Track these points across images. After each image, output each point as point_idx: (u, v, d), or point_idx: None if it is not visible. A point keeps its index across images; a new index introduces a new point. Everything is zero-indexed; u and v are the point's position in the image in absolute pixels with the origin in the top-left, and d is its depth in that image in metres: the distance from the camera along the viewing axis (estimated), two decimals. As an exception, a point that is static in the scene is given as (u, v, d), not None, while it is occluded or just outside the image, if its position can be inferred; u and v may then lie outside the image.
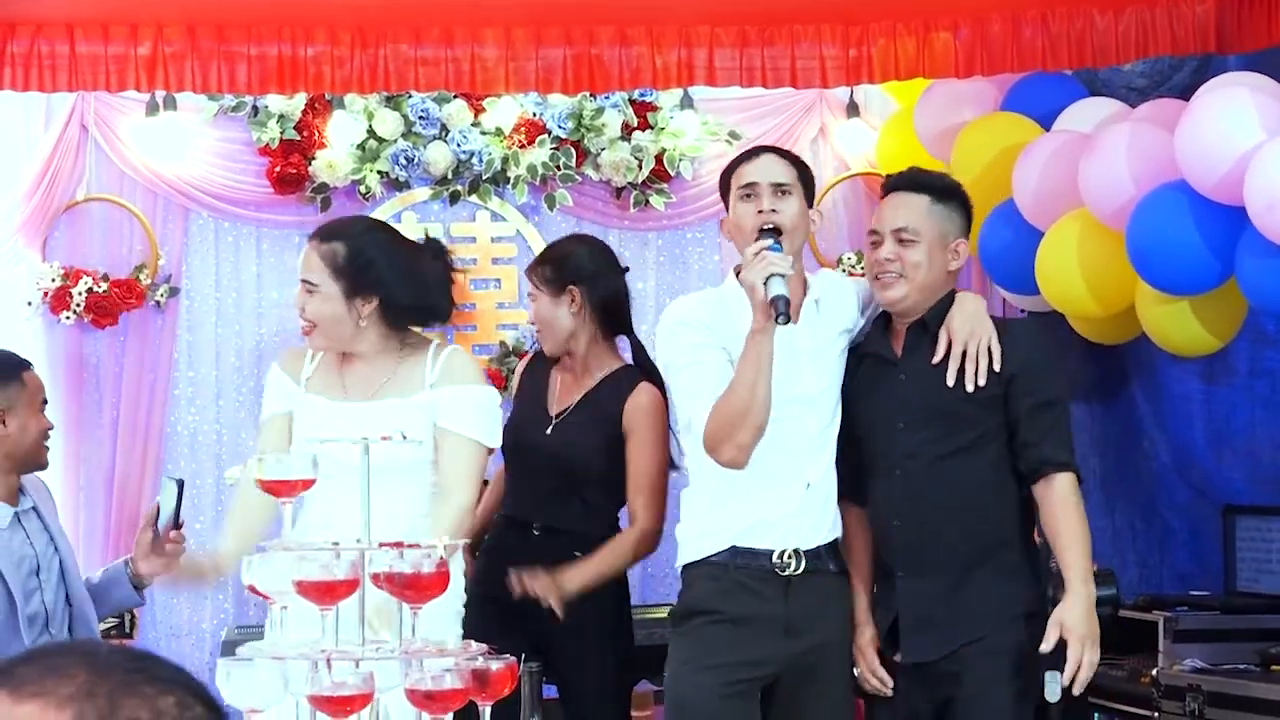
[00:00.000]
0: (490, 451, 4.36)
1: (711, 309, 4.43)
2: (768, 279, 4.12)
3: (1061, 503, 4.25)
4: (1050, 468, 4.26)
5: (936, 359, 4.34)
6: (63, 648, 1.53)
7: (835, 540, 4.48)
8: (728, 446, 4.25)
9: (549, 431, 4.89)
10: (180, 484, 4.63)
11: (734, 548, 4.39)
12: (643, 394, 4.87)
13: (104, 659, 1.51)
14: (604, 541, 4.82)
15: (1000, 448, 4.33)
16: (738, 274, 4.36)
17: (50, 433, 4.67)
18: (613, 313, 4.99)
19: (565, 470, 4.87)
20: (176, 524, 4.60)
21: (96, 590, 4.64)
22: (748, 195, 4.41)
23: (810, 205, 4.49)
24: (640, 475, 4.86)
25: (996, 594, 4.33)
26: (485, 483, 4.69)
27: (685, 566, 4.49)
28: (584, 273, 4.94)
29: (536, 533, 4.89)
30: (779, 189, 4.40)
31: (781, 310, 4.10)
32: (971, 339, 4.34)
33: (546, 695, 4.85)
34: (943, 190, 4.50)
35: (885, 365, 4.44)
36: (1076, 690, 4.17)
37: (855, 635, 4.51)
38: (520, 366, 5.20)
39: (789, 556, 4.37)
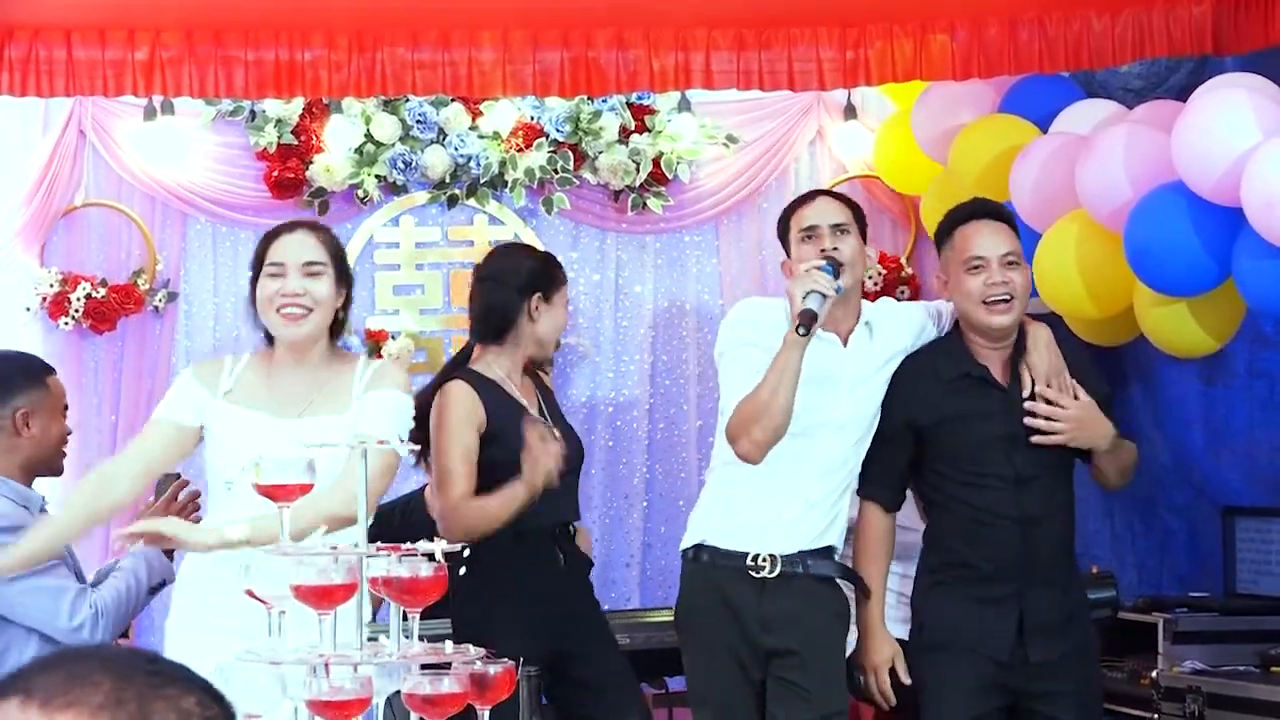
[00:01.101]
0: (395, 461, 4.10)
1: (771, 313, 4.64)
2: (808, 294, 4.39)
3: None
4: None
5: (1026, 391, 4.63)
6: (76, 654, 1.53)
7: (825, 548, 4.68)
8: (744, 440, 4.51)
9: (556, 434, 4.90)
10: (176, 478, 4.69)
11: (715, 547, 4.65)
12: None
13: (122, 663, 1.51)
14: None
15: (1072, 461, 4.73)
16: None
17: (68, 438, 4.70)
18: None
19: (578, 464, 5.06)
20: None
21: None
22: (809, 237, 4.68)
23: (864, 242, 4.77)
24: None
25: (1080, 596, 4.78)
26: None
27: (682, 551, 4.76)
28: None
29: (573, 531, 5.03)
30: (838, 229, 4.68)
31: (804, 323, 4.36)
32: (1052, 374, 4.64)
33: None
34: (1011, 218, 4.82)
35: (987, 388, 4.67)
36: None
37: (870, 651, 4.71)
38: (457, 392, 4.87)
39: (764, 560, 4.60)
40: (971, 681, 4.62)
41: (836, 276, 4.46)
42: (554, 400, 5.14)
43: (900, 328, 4.76)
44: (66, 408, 4.69)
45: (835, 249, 4.61)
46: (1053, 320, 4.81)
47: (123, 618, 4.52)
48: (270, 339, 4.36)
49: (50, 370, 4.70)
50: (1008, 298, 4.59)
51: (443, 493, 4.81)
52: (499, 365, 4.93)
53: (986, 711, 4.62)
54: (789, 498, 4.60)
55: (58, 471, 4.68)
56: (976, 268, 4.61)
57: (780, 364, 4.42)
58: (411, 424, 4.28)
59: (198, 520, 4.55)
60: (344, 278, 4.32)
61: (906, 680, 4.72)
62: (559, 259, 5.26)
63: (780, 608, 4.59)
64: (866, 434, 4.69)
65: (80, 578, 4.57)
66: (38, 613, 4.40)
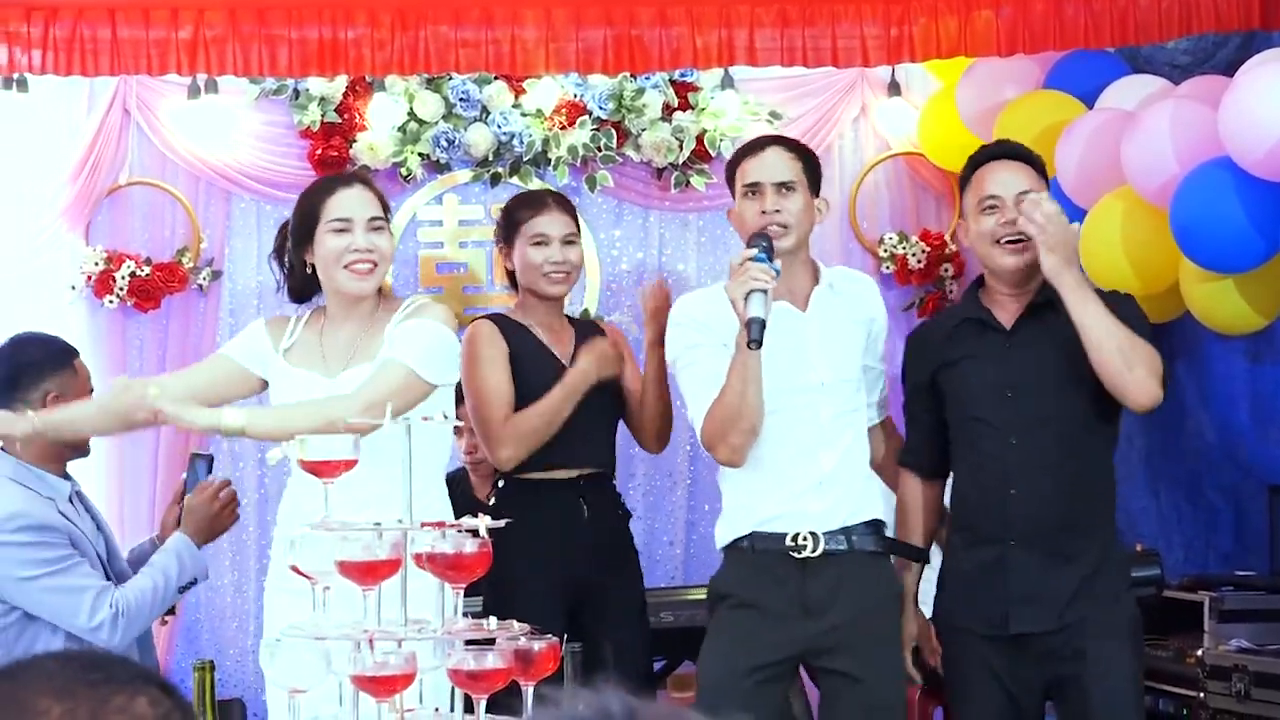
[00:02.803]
0: (426, 389, 4.18)
1: (711, 305, 4.47)
2: (749, 294, 4.18)
3: None
4: None
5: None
6: (12, 680, 1.48)
7: (869, 521, 4.50)
8: (722, 447, 4.38)
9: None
10: (210, 459, 4.70)
11: (753, 532, 4.45)
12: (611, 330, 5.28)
13: (64, 679, 1.47)
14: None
15: (1102, 412, 4.44)
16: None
17: None
18: None
19: (602, 404, 4.97)
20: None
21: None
22: (752, 193, 4.50)
23: (817, 194, 4.56)
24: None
25: (1107, 567, 4.44)
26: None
27: (722, 549, 4.58)
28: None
29: (582, 482, 4.96)
30: (783, 187, 4.49)
31: (754, 335, 4.16)
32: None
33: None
34: (1037, 160, 4.60)
35: (990, 332, 4.50)
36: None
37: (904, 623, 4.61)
38: (483, 333, 5.02)
39: (805, 539, 4.41)
40: (977, 661, 4.49)
41: (772, 256, 4.26)
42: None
43: (866, 293, 4.65)
44: (92, 390, 4.69)
45: (777, 210, 4.43)
46: (1124, 298, 4.62)
47: (146, 618, 4.45)
48: (297, 287, 4.41)
49: (75, 353, 4.69)
50: (1021, 238, 4.42)
51: (485, 419, 4.89)
52: (528, 312, 5.05)
53: (1005, 697, 4.45)
54: (801, 474, 4.42)
55: (85, 452, 4.67)
56: (991, 207, 4.48)
57: (740, 368, 4.24)
58: (451, 361, 4.31)
59: (235, 520, 4.66)
60: (386, 224, 4.39)
61: (931, 660, 4.62)
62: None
63: (824, 588, 4.40)
64: (856, 396, 4.52)
65: (110, 564, 4.55)
66: (57, 611, 4.37)
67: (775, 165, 4.51)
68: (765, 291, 4.18)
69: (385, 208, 4.34)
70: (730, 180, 4.60)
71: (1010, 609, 4.41)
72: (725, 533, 4.53)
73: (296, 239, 4.35)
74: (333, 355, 4.28)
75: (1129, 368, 4.30)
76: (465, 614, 3.29)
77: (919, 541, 4.66)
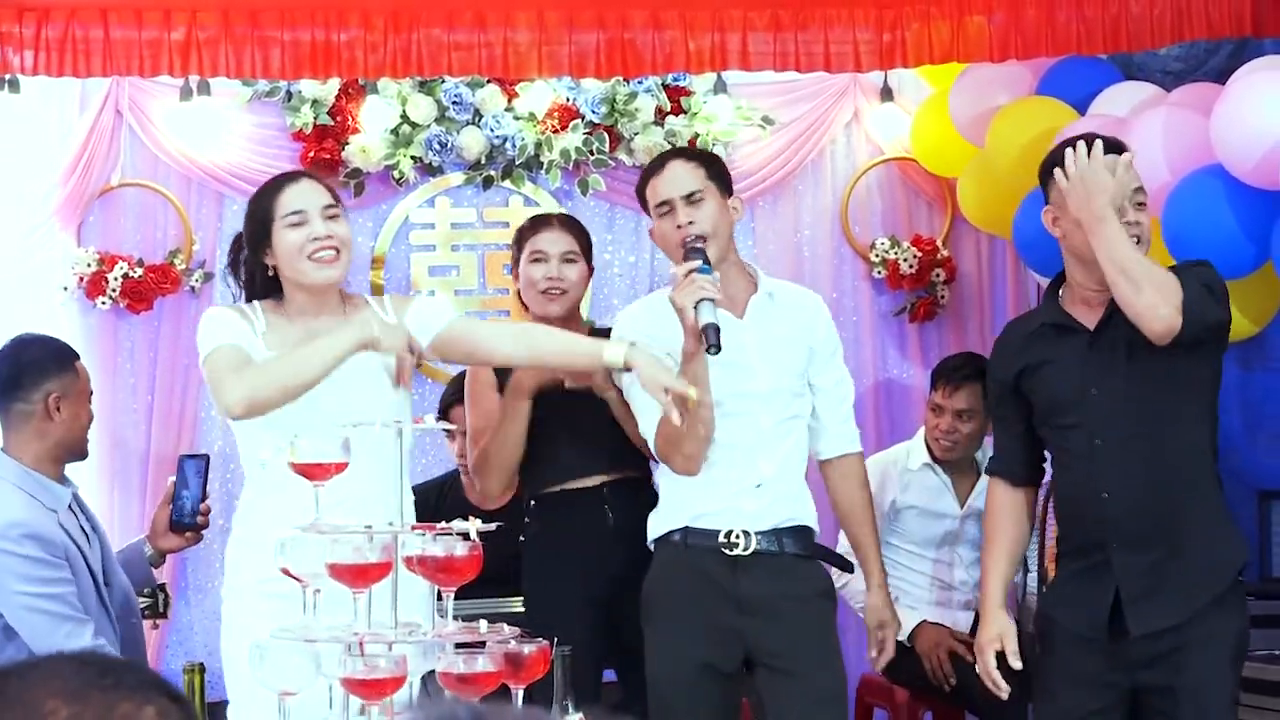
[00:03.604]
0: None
1: (655, 314, 4.49)
2: (698, 304, 4.19)
3: None
4: None
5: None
6: (22, 679, 1.49)
7: (801, 526, 4.53)
8: (677, 457, 4.41)
9: (569, 389, 4.88)
10: (206, 460, 4.70)
11: (687, 527, 4.49)
12: None
13: (74, 682, 1.47)
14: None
15: (1206, 404, 4.43)
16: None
17: (91, 423, 4.69)
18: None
19: (609, 423, 4.81)
20: (203, 497, 4.69)
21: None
22: (665, 212, 4.54)
23: (729, 194, 4.58)
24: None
25: (1213, 561, 4.34)
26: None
27: (653, 542, 4.59)
28: (591, 249, 5.09)
29: (606, 490, 4.86)
30: (691, 198, 4.52)
31: (712, 340, 4.16)
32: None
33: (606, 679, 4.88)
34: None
35: (1070, 334, 4.41)
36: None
37: (979, 630, 4.55)
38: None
39: (737, 536, 4.45)
40: (1075, 670, 4.38)
41: (707, 265, 4.28)
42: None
43: (809, 310, 4.64)
44: (92, 393, 4.68)
45: (690, 222, 4.46)
46: (1195, 265, 4.49)
47: None
48: (259, 295, 4.29)
49: (76, 355, 4.68)
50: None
51: (473, 449, 4.88)
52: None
53: (1098, 707, 4.35)
54: (740, 478, 4.45)
55: (83, 455, 4.66)
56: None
57: (689, 378, 4.18)
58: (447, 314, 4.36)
59: (196, 542, 4.79)
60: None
61: (1015, 664, 4.43)
62: (593, 239, 5.23)
63: (756, 587, 4.44)
64: (795, 403, 4.53)
65: (105, 566, 4.53)
66: (33, 631, 4.32)
67: (681, 178, 4.55)
68: (713, 300, 4.21)
69: (336, 199, 4.27)
70: (644, 203, 4.65)
71: (1125, 609, 4.29)
72: (658, 526, 4.56)
73: (253, 243, 4.24)
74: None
75: (1136, 291, 4.17)
76: (488, 615, 3.31)
77: (1001, 548, 4.54)
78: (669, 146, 6.79)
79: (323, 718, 3.28)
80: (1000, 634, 4.44)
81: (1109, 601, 4.30)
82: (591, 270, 5.06)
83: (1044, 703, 4.50)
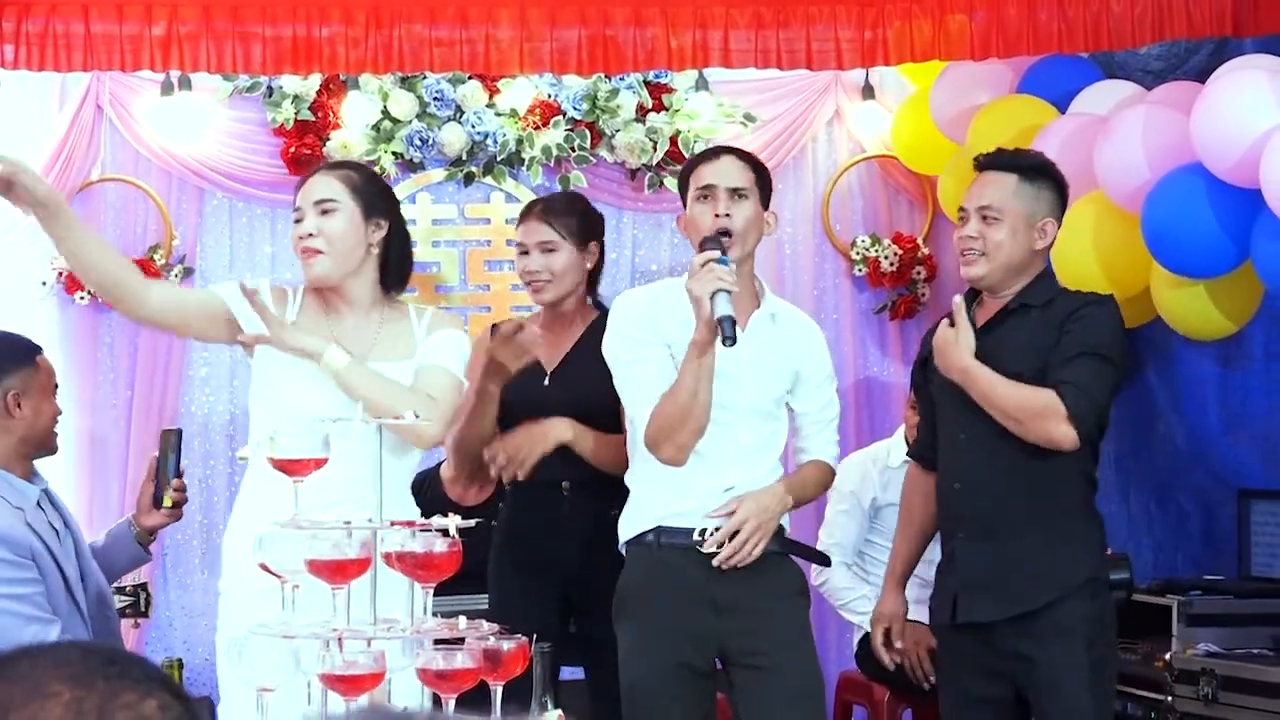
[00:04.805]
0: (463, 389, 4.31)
1: (657, 304, 4.50)
2: (714, 295, 4.17)
3: None
4: None
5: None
6: (33, 660, 1.49)
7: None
8: (668, 446, 4.37)
9: (547, 384, 4.86)
10: (179, 434, 4.68)
11: (659, 526, 4.47)
12: None
13: (81, 668, 1.48)
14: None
15: None
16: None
17: (59, 418, 4.64)
18: (599, 269, 5.08)
19: (583, 419, 4.80)
20: (177, 473, 4.65)
21: (104, 554, 4.62)
22: (704, 196, 4.50)
23: (766, 208, 4.56)
24: None
25: (1058, 560, 4.43)
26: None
27: (626, 545, 4.56)
28: (601, 230, 5.06)
29: (568, 491, 4.85)
30: (735, 193, 4.50)
31: (728, 333, 4.15)
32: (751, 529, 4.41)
33: (566, 677, 4.87)
34: (1031, 169, 4.61)
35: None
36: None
37: (877, 606, 4.84)
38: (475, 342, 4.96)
39: (710, 534, 4.43)
40: (950, 658, 4.60)
41: (725, 258, 4.25)
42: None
43: (807, 334, 4.64)
44: (56, 387, 4.63)
45: (728, 215, 4.44)
46: (1096, 303, 4.59)
47: None
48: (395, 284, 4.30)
49: (38, 349, 4.61)
50: (974, 251, 4.50)
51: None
52: (537, 319, 5.01)
53: (980, 696, 4.50)
54: (711, 486, 4.44)
55: (52, 450, 4.61)
56: (962, 219, 4.59)
57: (694, 366, 4.22)
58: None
59: (178, 518, 4.72)
60: (376, 211, 4.21)
61: (883, 658, 4.84)
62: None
63: (731, 586, 4.42)
64: (775, 415, 4.55)
65: (80, 561, 4.47)
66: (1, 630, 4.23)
67: (731, 171, 4.53)
68: (730, 292, 4.18)
69: (356, 189, 4.18)
70: (683, 187, 4.60)
71: (959, 597, 4.48)
72: (629, 528, 4.53)
73: None
74: (344, 340, 4.13)
75: (1021, 426, 4.37)
76: (463, 612, 3.31)
77: (908, 529, 4.79)
78: (650, 144, 6.81)
79: (301, 714, 3.28)
80: (890, 615, 4.80)
81: (955, 587, 4.51)
82: (591, 249, 4.98)
83: (940, 685, 4.73)
